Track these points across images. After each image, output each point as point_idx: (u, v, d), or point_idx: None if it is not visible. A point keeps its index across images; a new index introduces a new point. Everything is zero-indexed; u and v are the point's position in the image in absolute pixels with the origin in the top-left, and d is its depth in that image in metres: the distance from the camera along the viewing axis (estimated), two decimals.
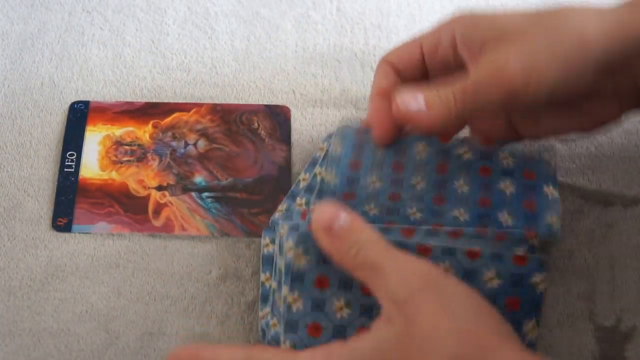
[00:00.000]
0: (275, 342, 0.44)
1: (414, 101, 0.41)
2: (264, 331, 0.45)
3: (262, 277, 0.47)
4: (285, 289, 0.42)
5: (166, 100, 0.57)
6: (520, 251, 0.43)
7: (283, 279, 0.43)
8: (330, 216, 0.40)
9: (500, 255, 0.42)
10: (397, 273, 0.37)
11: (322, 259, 0.42)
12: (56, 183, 0.53)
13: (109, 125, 0.56)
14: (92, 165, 0.54)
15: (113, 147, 0.55)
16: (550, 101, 0.42)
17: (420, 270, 0.38)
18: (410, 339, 0.36)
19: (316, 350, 0.38)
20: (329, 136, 0.50)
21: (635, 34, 0.40)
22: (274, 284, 0.45)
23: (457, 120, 0.42)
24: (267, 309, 0.45)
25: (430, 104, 0.41)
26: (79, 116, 0.56)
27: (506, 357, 0.35)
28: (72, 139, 0.55)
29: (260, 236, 0.50)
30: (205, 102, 0.57)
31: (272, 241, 0.47)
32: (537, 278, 0.42)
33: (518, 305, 0.41)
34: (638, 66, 0.42)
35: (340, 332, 0.42)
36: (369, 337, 0.37)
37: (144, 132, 0.56)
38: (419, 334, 0.36)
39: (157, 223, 0.52)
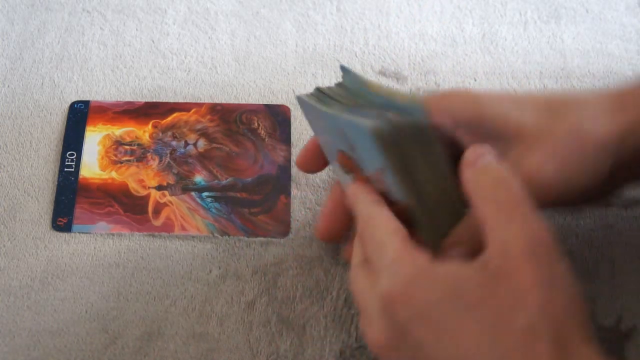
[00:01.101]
0: None
1: None
2: None
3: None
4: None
5: (166, 100, 0.57)
6: None
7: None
8: (478, 152, 0.40)
9: None
10: (520, 228, 0.36)
11: None
12: (56, 183, 0.53)
13: (109, 125, 0.56)
14: (92, 165, 0.54)
15: (113, 146, 0.55)
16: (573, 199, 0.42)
17: (540, 237, 0.36)
18: (494, 290, 0.35)
19: (403, 260, 0.38)
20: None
21: None
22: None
23: None
24: None
25: None
26: (79, 116, 0.56)
27: (584, 354, 0.35)
28: (72, 139, 0.55)
29: (260, 236, 0.50)
30: (205, 102, 0.57)
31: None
32: None
33: None
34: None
35: None
36: (455, 267, 0.37)
37: (144, 132, 0.56)
38: (507, 293, 0.35)
39: (157, 223, 0.52)
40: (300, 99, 0.45)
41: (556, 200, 0.42)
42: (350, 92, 0.44)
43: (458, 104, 0.42)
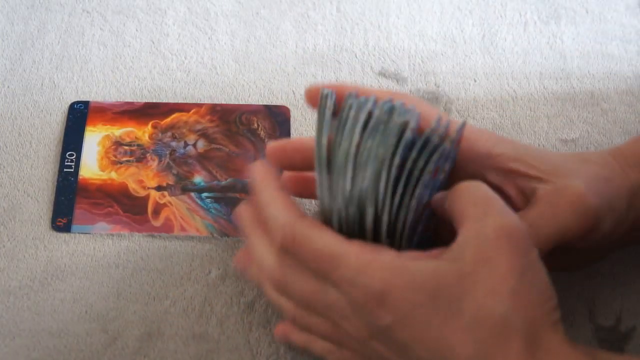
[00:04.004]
0: None
1: None
2: None
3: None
4: None
5: (166, 101, 0.57)
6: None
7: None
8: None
9: None
10: (495, 219, 0.37)
11: None
12: (56, 183, 0.53)
13: (109, 126, 0.56)
14: (91, 165, 0.54)
15: (112, 147, 0.55)
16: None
17: (514, 227, 0.37)
18: (472, 281, 0.36)
19: (371, 252, 0.37)
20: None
21: None
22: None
23: None
24: None
25: None
26: (79, 116, 0.56)
27: (553, 344, 0.36)
28: (72, 139, 0.55)
29: None
30: (205, 102, 0.57)
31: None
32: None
33: None
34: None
35: None
36: (431, 264, 0.37)
37: (143, 133, 0.56)
38: (484, 281, 0.36)
39: (157, 223, 0.52)
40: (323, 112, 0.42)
41: (557, 260, 0.43)
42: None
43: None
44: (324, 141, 0.40)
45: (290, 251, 0.39)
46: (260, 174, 0.42)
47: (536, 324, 0.36)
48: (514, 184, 0.43)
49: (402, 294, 0.36)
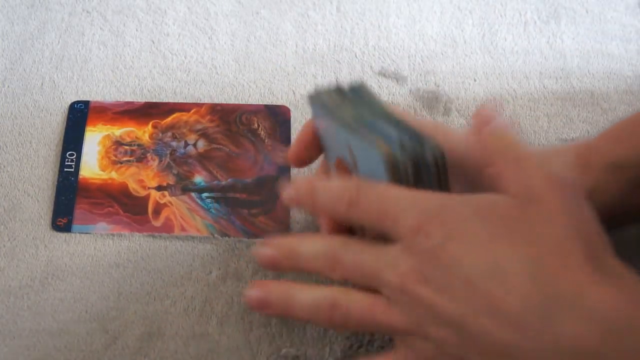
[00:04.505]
0: None
1: None
2: None
3: None
4: None
5: (166, 101, 0.57)
6: None
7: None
8: (490, 114, 0.41)
9: None
10: (546, 172, 0.37)
11: None
12: (56, 183, 0.53)
13: (109, 126, 0.56)
14: (92, 165, 0.54)
15: (113, 147, 0.55)
16: None
17: (568, 180, 0.38)
18: (524, 212, 0.36)
19: (424, 196, 0.38)
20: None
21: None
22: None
23: None
24: None
25: None
26: (79, 116, 0.56)
27: (616, 264, 0.36)
28: (72, 139, 0.55)
29: (260, 237, 0.51)
30: (205, 102, 0.57)
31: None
32: None
33: None
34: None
35: None
36: (481, 195, 0.37)
37: (143, 132, 0.56)
38: (537, 214, 0.36)
39: (157, 223, 0.52)
40: (313, 100, 0.45)
41: None
42: (365, 105, 0.43)
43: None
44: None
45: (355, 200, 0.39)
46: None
47: (596, 247, 0.35)
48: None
49: (451, 210, 0.36)
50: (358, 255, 0.39)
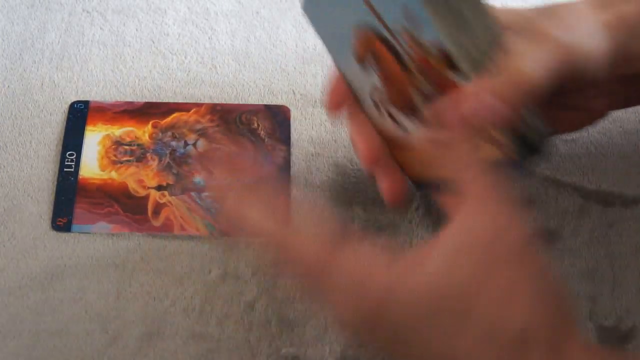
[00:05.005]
0: None
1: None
2: None
3: None
4: None
5: (166, 100, 0.57)
6: None
7: None
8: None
9: None
10: (500, 218, 0.34)
11: None
12: (56, 183, 0.53)
13: (109, 125, 0.56)
14: (91, 165, 0.54)
15: (113, 147, 0.55)
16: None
17: (519, 231, 0.35)
18: (477, 294, 0.33)
19: (373, 274, 0.35)
20: None
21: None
22: None
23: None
24: None
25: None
26: (79, 116, 0.56)
27: (576, 348, 0.34)
28: (72, 139, 0.55)
29: None
30: (205, 102, 0.57)
31: None
32: None
33: None
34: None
35: None
36: (429, 275, 0.34)
37: (143, 132, 0.56)
38: (489, 296, 0.33)
39: (157, 223, 0.52)
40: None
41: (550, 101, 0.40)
42: None
43: None
44: None
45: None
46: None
47: (556, 330, 0.33)
48: None
49: (398, 310, 0.34)
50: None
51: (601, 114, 0.46)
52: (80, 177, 0.53)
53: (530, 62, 0.39)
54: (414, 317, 0.34)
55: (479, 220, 0.35)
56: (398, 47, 0.39)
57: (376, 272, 0.35)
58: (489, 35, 0.38)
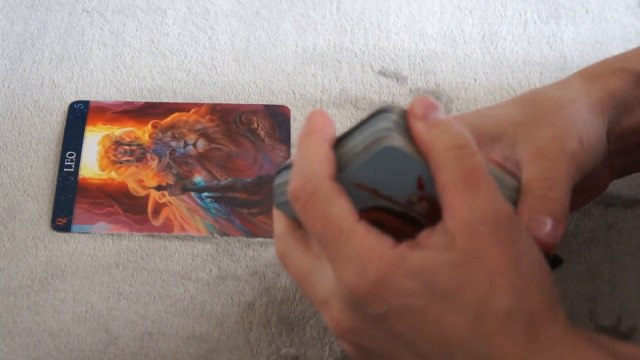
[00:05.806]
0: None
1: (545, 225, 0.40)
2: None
3: None
4: None
5: (166, 100, 0.57)
6: None
7: None
8: (425, 103, 0.37)
9: None
10: (485, 203, 0.35)
11: None
12: (56, 183, 0.53)
13: (109, 125, 0.56)
14: (91, 165, 0.54)
15: (112, 147, 0.55)
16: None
17: (504, 212, 0.36)
18: (468, 275, 0.35)
19: (370, 253, 0.36)
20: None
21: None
22: None
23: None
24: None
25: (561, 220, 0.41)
26: (79, 116, 0.56)
27: (553, 332, 0.35)
28: (72, 139, 0.55)
29: (260, 236, 0.51)
30: (205, 102, 0.57)
31: None
32: None
33: None
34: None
35: None
36: (425, 254, 0.36)
37: (143, 132, 0.56)
38: (481, 277, 0.35)
39: (157, 223, 0.52)
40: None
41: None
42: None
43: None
44: None
45: (302, 202, 0.37)
46: (315, 122, 0.39)
47: (536, 313, 0.35)
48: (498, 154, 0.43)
49: (395, 285, 0.35)
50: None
51: (605, 187, 0.48)
52: (80, 177, 0.53)
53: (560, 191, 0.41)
54: (410, 296, 0.35)
55: (465, 208, 0.36)
56: (414, 215, 0.39)
57: (383, 249, 0.36)
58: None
